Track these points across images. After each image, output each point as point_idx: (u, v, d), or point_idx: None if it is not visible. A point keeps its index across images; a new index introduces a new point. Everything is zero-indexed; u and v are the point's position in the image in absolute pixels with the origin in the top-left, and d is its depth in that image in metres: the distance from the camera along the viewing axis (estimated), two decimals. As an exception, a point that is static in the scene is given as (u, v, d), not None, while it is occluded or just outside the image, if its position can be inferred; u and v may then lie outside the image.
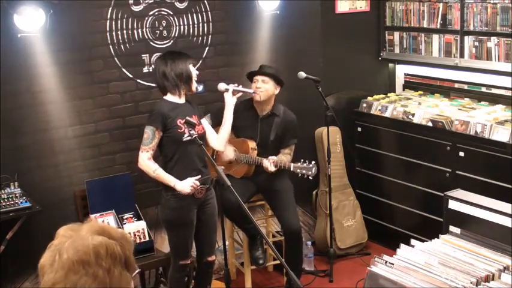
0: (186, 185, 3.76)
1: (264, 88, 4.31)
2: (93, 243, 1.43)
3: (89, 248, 1.42)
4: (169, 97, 3.84)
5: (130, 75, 4.49)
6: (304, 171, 4.17)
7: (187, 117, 3.69)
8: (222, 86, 4.12)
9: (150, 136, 3.76)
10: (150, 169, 3.78)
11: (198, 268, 4.13)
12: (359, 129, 5.38)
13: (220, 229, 3.81)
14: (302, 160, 4.20)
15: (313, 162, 4.20)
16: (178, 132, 3.76)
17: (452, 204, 3.35)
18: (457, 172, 4.59)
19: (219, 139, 4.05)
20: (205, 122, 4.01)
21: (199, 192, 3.84)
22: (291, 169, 4.21)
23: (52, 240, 1.48)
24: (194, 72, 3.88)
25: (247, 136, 4.40)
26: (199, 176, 3.82)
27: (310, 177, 4.19)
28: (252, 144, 4.39)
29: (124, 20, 4.40)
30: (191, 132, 3.54)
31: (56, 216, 4.03)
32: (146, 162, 3.78)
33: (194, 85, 3.89)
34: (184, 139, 3.75)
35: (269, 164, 4.22)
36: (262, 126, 4.39)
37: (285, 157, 4.36)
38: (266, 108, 4.41)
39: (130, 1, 4.40)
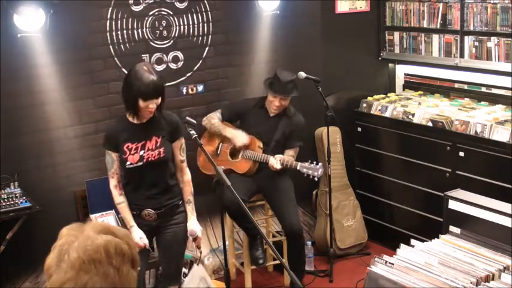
0: (133, 235, 3.35)
1: (282, 106, 4.35)
2: (102, 242, 1.43)
3: (99, 247, 1.42)
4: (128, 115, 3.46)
5: (131, 75, 4.48)
6: (310, 172, 4.16)
7: (187, 118, 3.64)
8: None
9: (109, 160, 3.44)
10: (115, 201, 3.45)
11: None
12: (359, 129, 5.37)
13: (220, 229, 3.79)
14: (310, 160, 4.20)
15: (320, 163, 4.20)
16: (122, 157, 3.40)
17: (452, 204, 3.35)
18: (457, 172, 4.59)
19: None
20: (178, 145, 3.55)
21: (147, 215, 3.46)
22: (298, 168, 4.21)
23: (54, 241, 1.48)
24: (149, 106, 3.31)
25: (255, 132, 4.41)
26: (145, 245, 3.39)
27: (315, 178, 4.19)
28: (259, 143, 4.41)
29: (124, 20, 4.39)
30: (191, 132, 3.44)
31: (56, 216, 4.02)
32: (113, 191, 3.44)
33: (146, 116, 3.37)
34: (127, 166, 3.39)
35: (275, 161, 4.22)
36: (271, 124, 4.41)
37: (288, 158, 4.36)
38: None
39: (130, 1, 4.40)
